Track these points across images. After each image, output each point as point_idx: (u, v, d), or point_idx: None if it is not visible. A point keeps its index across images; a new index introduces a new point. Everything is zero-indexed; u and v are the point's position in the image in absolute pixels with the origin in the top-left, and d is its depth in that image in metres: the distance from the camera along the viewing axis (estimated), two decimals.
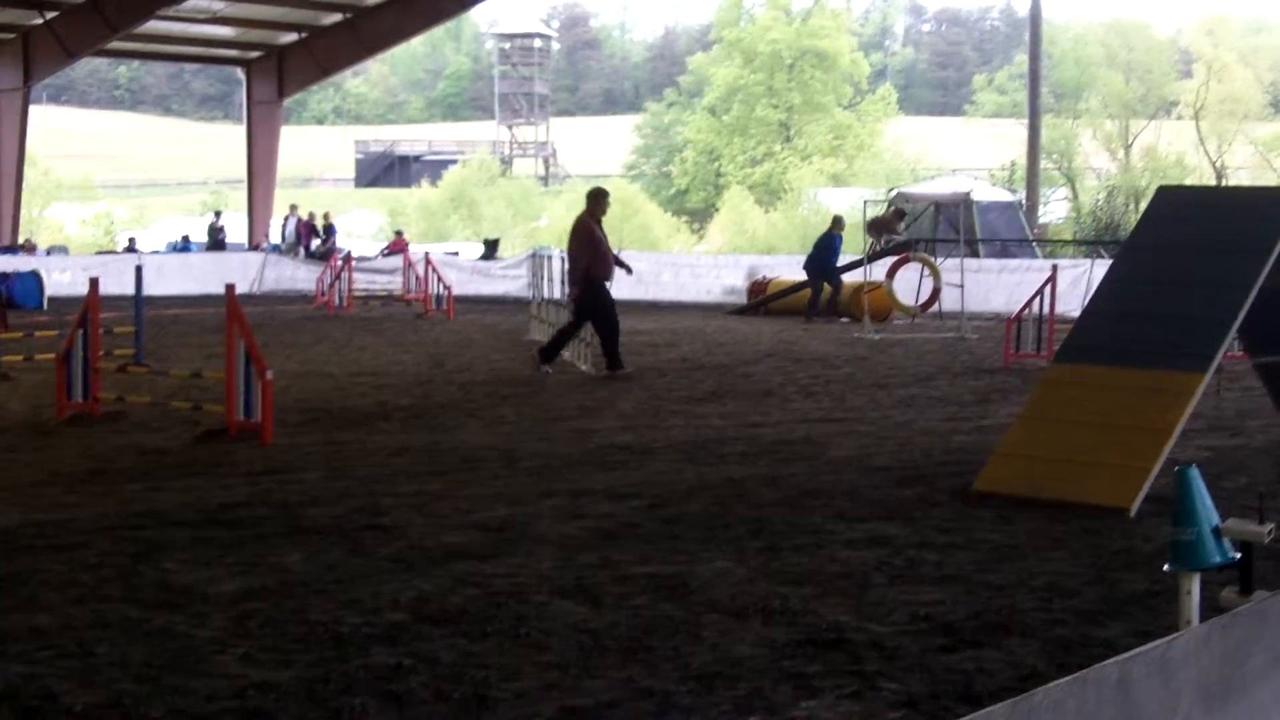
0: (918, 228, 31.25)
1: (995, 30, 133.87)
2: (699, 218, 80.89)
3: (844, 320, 27.00)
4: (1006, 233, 33.39)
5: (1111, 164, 74.84)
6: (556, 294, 21.70)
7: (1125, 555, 8.39)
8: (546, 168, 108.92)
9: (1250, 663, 3.61)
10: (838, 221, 28.43)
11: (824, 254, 27.28)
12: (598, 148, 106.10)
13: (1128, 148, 76.15)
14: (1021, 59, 63.01)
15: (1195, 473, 5.00)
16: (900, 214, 30.15)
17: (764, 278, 31.37)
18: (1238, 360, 14.55)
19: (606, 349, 17.85)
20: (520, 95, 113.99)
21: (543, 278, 23.02)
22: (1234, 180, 70.64)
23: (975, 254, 30.69)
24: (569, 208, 76.91)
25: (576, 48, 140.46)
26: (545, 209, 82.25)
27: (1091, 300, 11.64)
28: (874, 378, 17.84)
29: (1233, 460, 11.74)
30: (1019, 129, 54.56)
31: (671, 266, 35.08)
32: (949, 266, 26.89)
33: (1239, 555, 5.07)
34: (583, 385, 16.97)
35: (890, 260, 27.74)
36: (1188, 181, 67.03)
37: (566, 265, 17.98)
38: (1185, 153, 74.15)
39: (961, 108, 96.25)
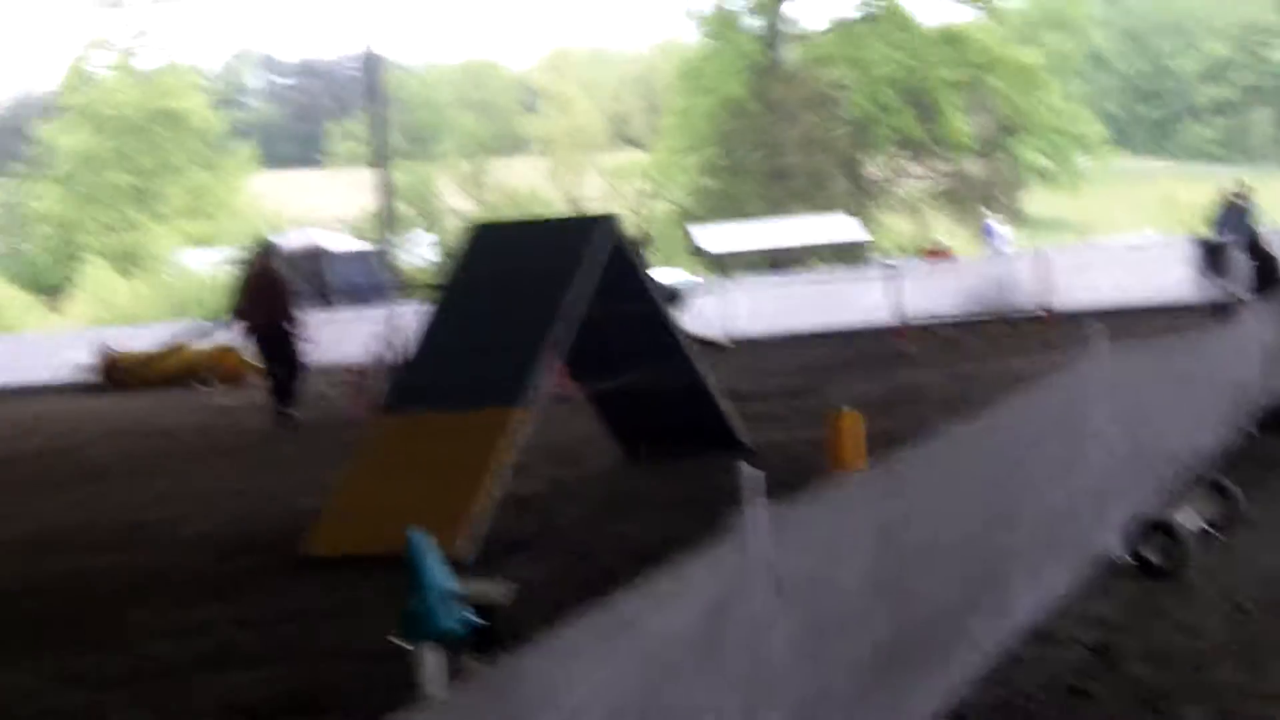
0: None
1: (354, 80, 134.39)
2: (56, 293, 77.33)
3: (201, 387, 26.10)
4: (362, 281, 33.21)
5: (470, 203, 76.52)
6: None
7: None
8: None
9: None
10: None
11: None
12: None
13: (484, 187, 78.02)
14: None
15: (421, 539, 4.78)
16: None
17: (115, 350, 29.91)
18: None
19: (286, 391, 18.05)
20: None
21: None
22: (590, 209, 73.46)
23: (329, 305, 30.31)
24: None
25: None
26: None
27: (415, 347, 11.45)
28: (220, 447, 17.11)
29: (569, 490, 11.84)
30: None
31: (15, 346, 33.06)
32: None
33: (480, 620, 4.88)
34: None
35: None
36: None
37: (273, 310, 17.97)
38: (540, 187, 76.61)
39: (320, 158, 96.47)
